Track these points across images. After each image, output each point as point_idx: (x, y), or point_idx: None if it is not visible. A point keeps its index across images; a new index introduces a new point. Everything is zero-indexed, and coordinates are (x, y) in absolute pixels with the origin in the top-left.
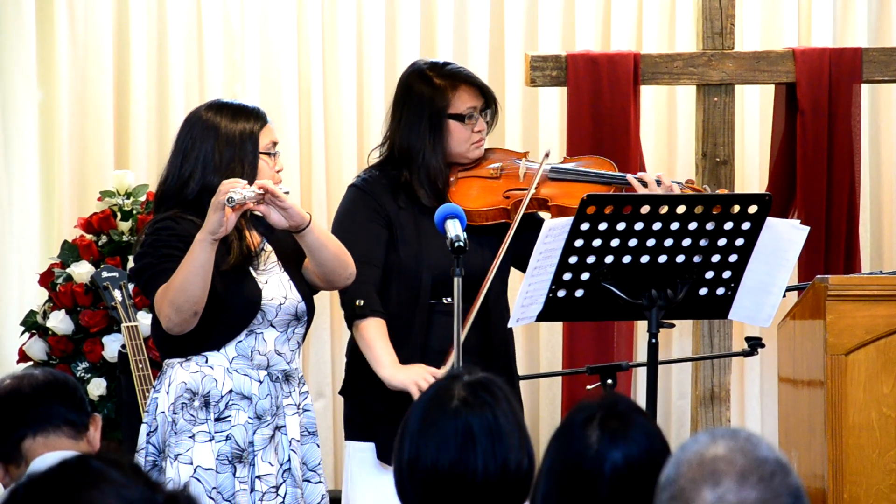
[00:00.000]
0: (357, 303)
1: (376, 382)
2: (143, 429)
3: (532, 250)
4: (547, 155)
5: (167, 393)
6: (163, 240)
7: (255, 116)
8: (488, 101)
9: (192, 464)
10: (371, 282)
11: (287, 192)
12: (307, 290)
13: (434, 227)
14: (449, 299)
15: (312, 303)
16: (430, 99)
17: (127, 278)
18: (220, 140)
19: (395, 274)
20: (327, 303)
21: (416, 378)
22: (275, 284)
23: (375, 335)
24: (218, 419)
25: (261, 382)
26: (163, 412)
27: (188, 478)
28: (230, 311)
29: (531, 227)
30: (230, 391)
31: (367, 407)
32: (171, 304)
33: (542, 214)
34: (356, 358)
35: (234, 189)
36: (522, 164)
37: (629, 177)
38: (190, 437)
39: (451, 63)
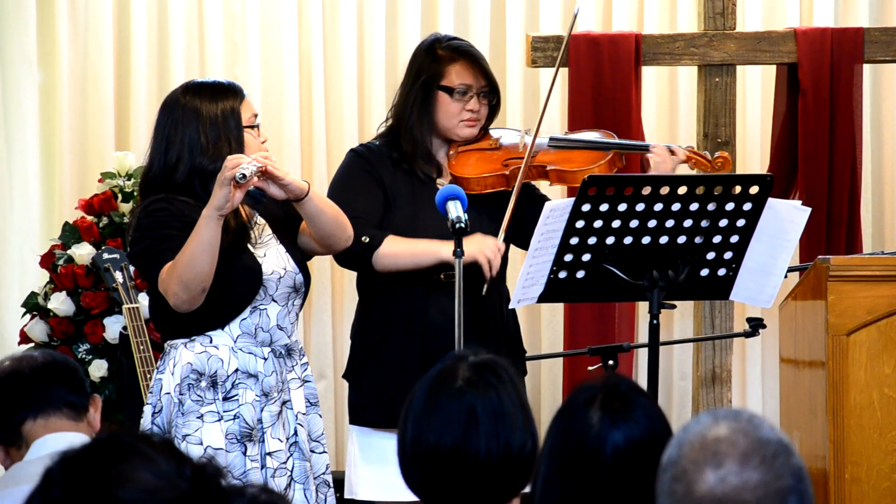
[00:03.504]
0: (363, 240)
1: (384, 366)
2: (148, 410)
3: (531, 223)
4: (537, 130)
5: (172, 374)
6: (160, 220)
7: (233, 92)
8: (490, 86)
9: (201, 444)
10: (368, 226)
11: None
12: (303, 260)
13: (432, 196)
14: (447, 275)
15: (308, 273)
16: (426, 68)
17: (127, 260)
18: (203, 122)
19: None
20: (328, 284)
21: (482, 249)
22: (273, 257)
23: (403, 241)
24: (225, 398)
25: (265, 359)
26: (168, 393)
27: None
28: (233, 288)
29: (530, 200)
30: (236, 370)
31: (376, 392)
32: (179, 281)
33: (543, 183)
34: (361, 342)
35: (243, 165)
36: (521, 135)
37: (623, 143)
38: (198, 417)
39: (462, 40)
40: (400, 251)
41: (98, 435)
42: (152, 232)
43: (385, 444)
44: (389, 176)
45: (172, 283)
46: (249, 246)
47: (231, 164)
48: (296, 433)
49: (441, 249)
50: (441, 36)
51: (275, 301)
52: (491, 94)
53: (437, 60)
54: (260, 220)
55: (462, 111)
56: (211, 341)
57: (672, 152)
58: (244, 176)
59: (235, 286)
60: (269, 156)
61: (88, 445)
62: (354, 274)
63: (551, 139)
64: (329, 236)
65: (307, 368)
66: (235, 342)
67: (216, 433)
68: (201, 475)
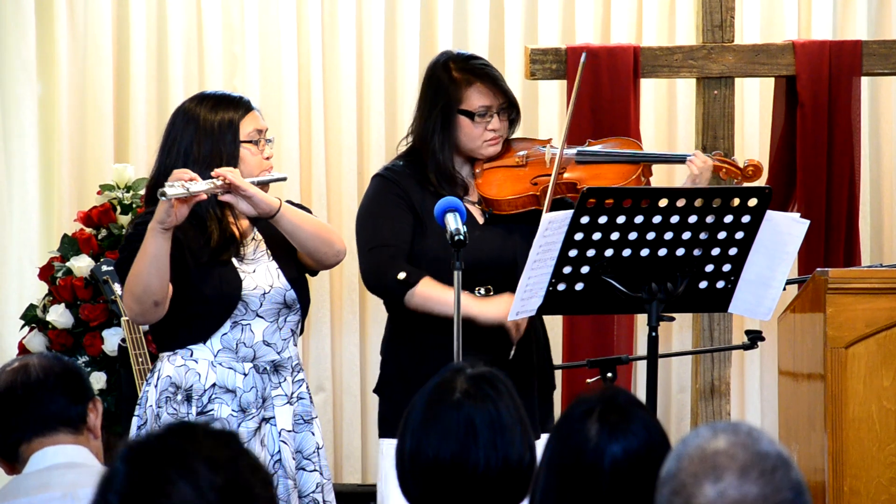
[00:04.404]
0: (399, 276)
1: (418, 381)
2: (135, 422)
3: None
4: (563, 145)
5: (155, 387)
6: (139, 234)
7: (237, 105)
8: (509, 102)
9: None
10: (401, 258)
11: (285, 178)
12: (298, 276)
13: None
14: (482, 290)
15: (305, 290)
16: (444, 91)
17: None
18: (199, 131)
19: (427, 264)
20: (327, 297)
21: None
22: (262, 273)
23: (439, 288)
24: (201, 413)
25: (245, 375)
26: (151, 406)
27: None
28: (209, 303)
29: None
30: (213, 385)
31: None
32: (131, 294)
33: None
34: (393, 357)
35: (172, 183)
36: (548, 150)
37: (657, 154)
38: None
39: (477, 58)
40: (432, 296)
41: (172, 425)
42: (130, 245)
43: None
44: (419, 197)
45: (126, 296)
46: (235, 261)
47: (171, 178)
48: (279, 451)
49: (472, 307)
50: (454, 54)
51: (260, 317)
52: (510, 109)
53: (455, 83)
54: (258, 235)
55: (485, 132)
56: (191, 355)
57: (701, 161)
58: (164, 194)
59: (212, 300)
60: (233, 170)
61: (151, 443)
62: (353, 287)
63: (579, 153)
64: (312, 252)
65: (301, 385)
66: (216, 356)
67: None
68: (231, 493)
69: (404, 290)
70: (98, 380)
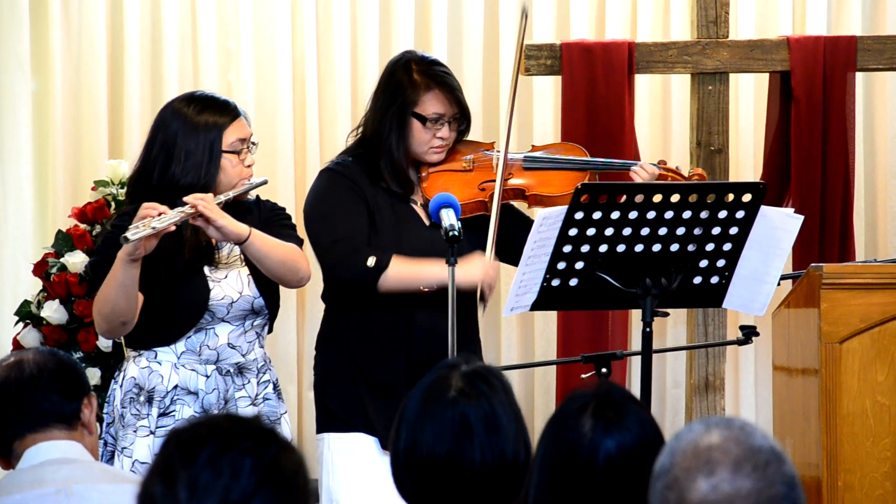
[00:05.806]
0: (369, 263)
1: (364, 377)
2: (104, 419)
3: (515, 241)
4: (507, 144)
5: (120, 387)
6: (114, 239)
7: (224, 111)
8: (462, 113)
9: (131, 457)
10: (363, 248)
11: (265, 182)
12: (269, 283)
13: (411, 213)
14: (424, 288)
15: (274, 296)
16: (403, 91)
17: None
18: (183, 132)
19: None
20: (319, 294)
21: (484, 274)
22: (232, 280)
23: (410, 266)
24: (163, 414)
25: (208, 377)
26: (116, 406)
27: (128, 472)
28: (177, 311)
29: (511, 216)
30: (176, 386)
31: (358, 400)
32: (99, 312)
33: (522, 204)
34: (334, 353)
35: (137, 224)
36: (494, 154)
37: (603, 162)
38: (134, 431)
39: (439, 64)
40: (406, 273)
41: (212, 418)
42: (105, 249)
43: (363, 447)
44: (371, 193)
45: (94, 312)
46: (206, 269)
47: (142, 213)
48: None
49: (445, 273)
50: (417, 56)
51: (226, 322)
52: (462, 119)
53: (414, 85)
54: None
55: (433, 139)
56: (156, 357)
57: (646, 171)
58: (127, 240)
59: (180, 309)
60: (205, 197)
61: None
62: None
63: (525, 158)
64: (279, 277)
65: (267, 386)
66: (179, 358)
67: (144, 448)
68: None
69: (377, 275)
70: (93, 376)
